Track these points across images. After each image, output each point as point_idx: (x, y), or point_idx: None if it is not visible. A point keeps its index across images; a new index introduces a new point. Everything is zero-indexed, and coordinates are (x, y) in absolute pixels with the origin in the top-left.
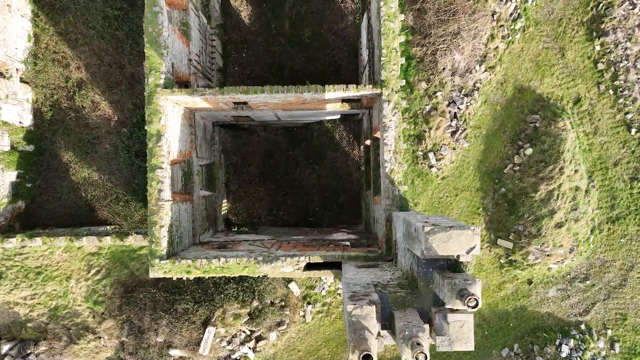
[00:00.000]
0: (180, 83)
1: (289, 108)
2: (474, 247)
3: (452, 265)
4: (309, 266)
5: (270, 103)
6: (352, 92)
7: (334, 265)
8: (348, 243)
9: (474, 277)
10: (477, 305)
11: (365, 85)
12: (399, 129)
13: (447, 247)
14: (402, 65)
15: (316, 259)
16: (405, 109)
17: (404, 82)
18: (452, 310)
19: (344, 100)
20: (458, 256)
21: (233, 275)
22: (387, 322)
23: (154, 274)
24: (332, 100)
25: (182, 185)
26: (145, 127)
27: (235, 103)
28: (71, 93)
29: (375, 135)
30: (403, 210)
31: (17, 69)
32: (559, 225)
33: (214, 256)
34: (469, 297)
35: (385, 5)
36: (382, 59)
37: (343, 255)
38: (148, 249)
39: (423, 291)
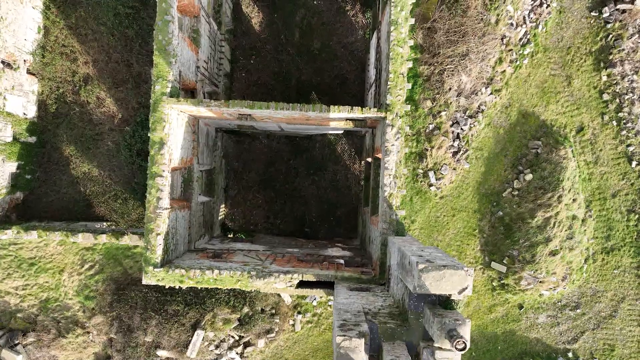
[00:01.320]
0: (186, 90)
1: (292, 122)
2: (466, 288)
3: (444, 301)
4: (302, 284)
5: (274, 117)
6: (357, 114)
7: (326, 285)
8: (342, 261)
9: (465, 317)
10: (465, 348)
11: (370, 108)
12: (400, 154)
13: (439, 286)
14: (408, 81)
15: (309, 277)
16: (408, 126)
17: (408, 107)
18: (441, 348)
19: (348, 119)
20: (450, 295)
21: (225, 287)
22: (375, 354)
23: (147, 280)
24: (336, 119)
25: (182, 192)
26: (149, 134)
27: (239, 114)
28: (77, 87)
29: (376, 155)
30: (399, 235)
31: (24, 60)
32: (553, 253)
33: (208, 267)
34: (458, 340)
35: (395, 31)
36: (388, 83)
37: (336, 275)
38: (143, 256)
39: (413, 324)
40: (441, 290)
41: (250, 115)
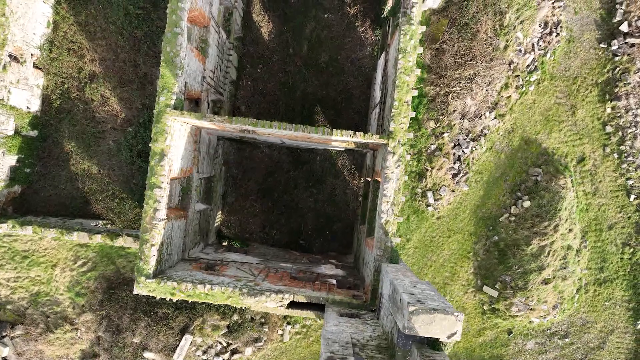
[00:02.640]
0: (190, 99)
1: (294, 139)
2: (455, 333)
3: (432, 342)
4: (293, 304)
5: (276, 134)
6: (359, 138)
7: (317, 307)
8: (334, 281)
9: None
10: None
11: (372, 134)
12: (400, 182)
13: (428, 329)
14: (413, 100)
15: (300, 298)
16: (410, 145)
17: (411, 136)
18: None
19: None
20: (438, 337)
21: (216, 302)
22: None
23: (138, 290)
24: (338, 140)
25: (179, 200)
26: (150, 145)
27: (242, 128)
28: (82, 84)
29: (376, 177)
30: (393, 262)
31: (31, 54)
32: (545, 282)
33: (200, 281)
34: None
35: (403, 59)
36: (393, 110)
37: (327, 298)
38: (136, 266)
39: None
40: (430, 333)
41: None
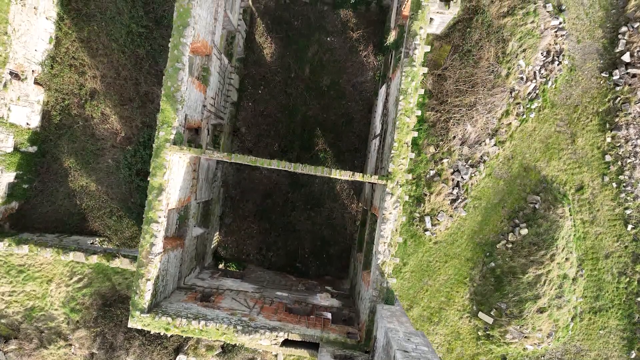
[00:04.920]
0: (190, 128)
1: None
2: None
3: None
4: (287, 342)
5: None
6: (358, 179)
7: (311, 345)
8: (329, 315)
9: None
10: None
11: (371, 176)
12: (397, 222)
13: None
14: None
15: (295, 336)
16: (409, 170)
17: (410, 176)
18: None
19: None
20: None
21: (211, 338)
22: None
23: (133, 324)
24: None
25: (176, 229)
26: (149, 179)
27: None
28: (83, 101)
29: (373, 211)
30: (389, 303)
31: (33, 71)
32: (541, 310)
33: (194, 316)
34: None
35: (404, 100)
36: (392, 151)
37: (322, 336)
38: (131, 300)
39: None
40: None
41: None
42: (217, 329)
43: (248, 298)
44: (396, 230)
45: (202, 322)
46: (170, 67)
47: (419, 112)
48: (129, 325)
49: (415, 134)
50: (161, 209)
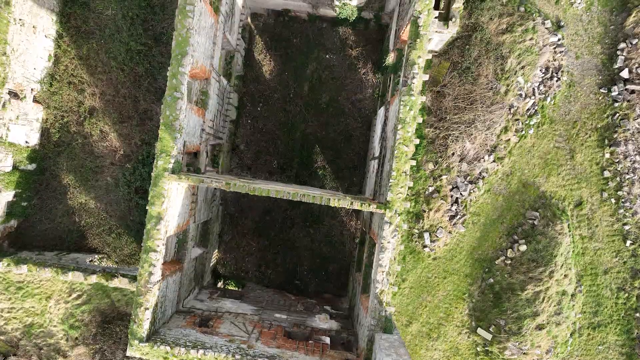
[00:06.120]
0: (189, 153)
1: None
2: None
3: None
4: None
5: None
6: (357, 207)
7: None
8: (328, 339)
9: None
10: None
11: (369, 205)
12: (396, 251)
13: None
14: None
15: None
16: (409, 187)
17: (408, 205)
18: None
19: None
20: None
21: None
22: None
23: (131, 353)
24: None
25: (175, 253)
26: (147, 207)
27: None
28: (82, 118)
29: (371, 235)
30: (387, 332)
31: (32, 89)
32: (540, 327)
33: (193, 344)
34: None
35: (402, 129)
36: (390, 180)
37: None
38: (129, 328)
39: None
40: None
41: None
42: (216, 358)
43: (247, 322)
44: (394, 258)
45: (201, 351)
46: (168, 96)
47: (417, 141)
48: (128, 354)
49: (414, 162)
50: (159, 238)
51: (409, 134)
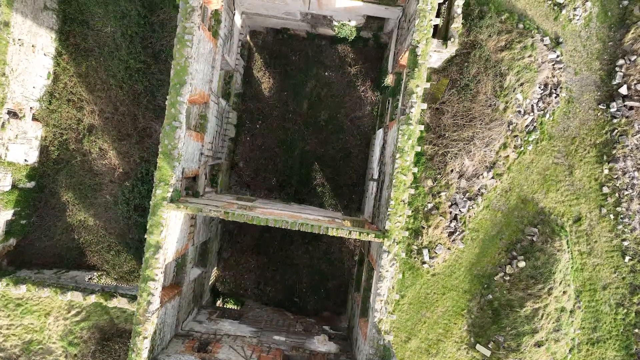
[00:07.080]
0: (187, 178)
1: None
2: None
3: None
4: None
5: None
6: (355, 236)
7: None
8: None
9: None
10: None
11: (368, 234)
12: (394, 280)
13: None
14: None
15: None
16: (407, 203)
17: (406, 233)
18: None
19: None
20: None
21: None
22: None
23: None
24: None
25: (174, 276)
26: (145, 236)
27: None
28: (81, 136)
29: (370, 260)
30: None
31: (31, 108)
32: (539, 344)
33: None
34: None
35: (400, 158)
36: (389, 209)
37: None
38: (128, 357)
39: None
40: None
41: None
42: None
43: (245, 345)
44: (392, 287)
45: None
46: (167, 125)
47: (415, 169)
48: None
49: (412, 191)
50: (158, 267)
51: (408, 162)
